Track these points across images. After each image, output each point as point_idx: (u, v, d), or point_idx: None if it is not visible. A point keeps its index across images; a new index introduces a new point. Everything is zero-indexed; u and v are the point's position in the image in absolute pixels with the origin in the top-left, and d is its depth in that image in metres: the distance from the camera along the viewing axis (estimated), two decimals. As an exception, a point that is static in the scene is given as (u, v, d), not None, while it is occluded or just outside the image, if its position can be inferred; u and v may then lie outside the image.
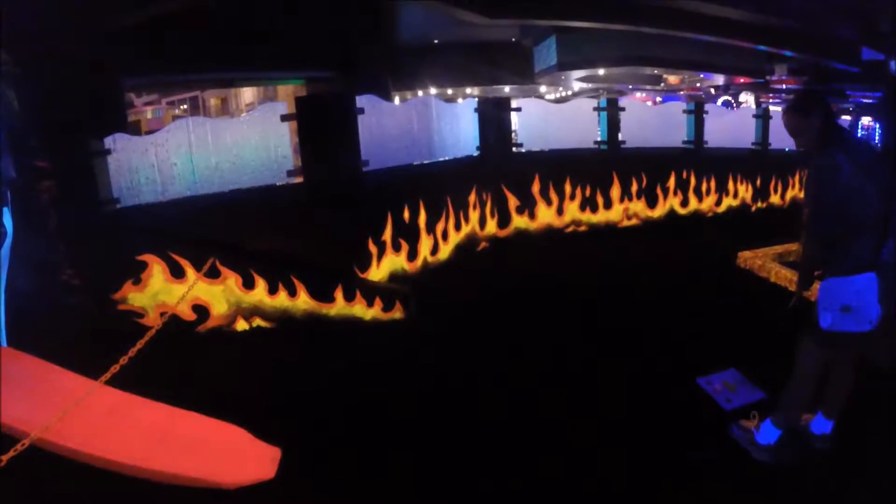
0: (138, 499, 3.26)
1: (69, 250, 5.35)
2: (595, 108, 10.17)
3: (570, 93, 26.27)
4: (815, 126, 3.12)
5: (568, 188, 8.87)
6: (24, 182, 4.60)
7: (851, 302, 3.03)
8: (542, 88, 25.26)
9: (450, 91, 22.33)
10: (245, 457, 3.63)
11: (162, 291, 5.41)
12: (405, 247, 6.60)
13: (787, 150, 11.02)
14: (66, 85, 7.49)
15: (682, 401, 4.25)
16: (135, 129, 15.08)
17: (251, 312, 5.57)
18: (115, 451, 3.38)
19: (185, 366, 4.86)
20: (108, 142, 6.18)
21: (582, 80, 23.04)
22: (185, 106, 24.16)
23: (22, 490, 3.12)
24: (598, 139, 10.17)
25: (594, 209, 9.13)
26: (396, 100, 13.10)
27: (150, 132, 6.89)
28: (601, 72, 22.35)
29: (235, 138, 6.68)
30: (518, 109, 9.46)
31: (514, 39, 21.73)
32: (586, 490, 3.37)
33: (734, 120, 11.44)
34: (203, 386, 4.56)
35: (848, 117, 18.33)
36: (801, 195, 9.41)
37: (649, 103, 18.12)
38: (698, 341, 5.17)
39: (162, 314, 5.06)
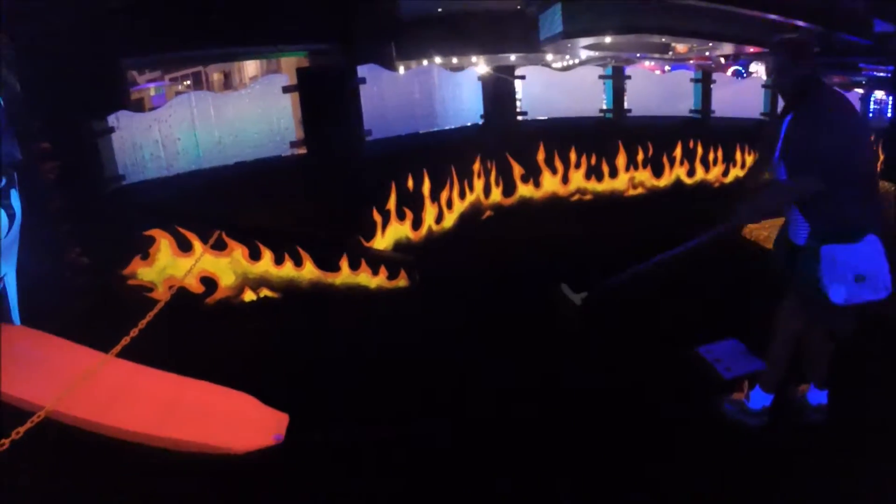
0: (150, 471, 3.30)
1: (77, 229, 5.40)
2: (600, 77, 9.96)
3: (576, 61, 25.90)
4: (800, 74, 3.04)
5: (573, 156, 8.78)
6: (29, 164, 4.64)
7: (864, 269, 2.86)
8: (548, 57, 24.89)
9: (455, 60, 22.04)
10: (253, 423, 3.71)
11: (170, 265, 5.47)
12: (409, 215, 6.61)
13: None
14: (66, 65, 7.50)
15: (682, 370, 4.27)
16: (138, 107, 15.05)
17: (258, 283, 5.62)
18: (127, 420, 3.46)
19: (194, 337, 4.91)
20: (112, 119, 6.20)
21: (588, 48, 22.74)
22: (189, 82, 24.09)
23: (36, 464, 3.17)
24: (603, 108, 10.00)
25: (599, 178, 9.05)
26: (401, 69, 12.96)
27: (153, 109, 6.91)
28: (608, 40, 22.06)
29: (238, 111, 6.71)
30: (522, 77, 9.32)
31: (518, 7, 21.38)
32: (580, 448, 3.46)
33: (742, 89, 11.25)
34: (212, 355, 4.62)
35: (860, 90, 17.93)
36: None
37: (658, 72, 17.93)
38: (700, 311, 5.17)
39: (170, 287, 5.18)
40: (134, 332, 3.97)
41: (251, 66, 24.76)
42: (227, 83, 25.31)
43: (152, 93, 20.30)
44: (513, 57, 23.10)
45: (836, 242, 2.93)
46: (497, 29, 20.43)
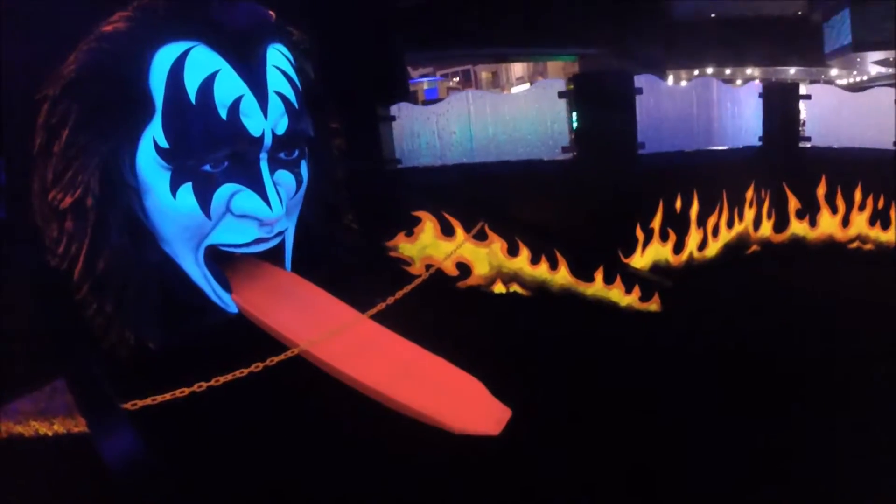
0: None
1: (354, 198, 5.79)
2: (897, 101, 8.29)
3: (864, 78, 22.93)
4: None
5: (858, 196, 7.60)
6: (321, 139, 5.09)
7: None
8: (833, 72, 22.30)
9: (728, 71, 20.60)
10: (477, 408, 3.69)
11: (430, 245, 5.80)
12: (673, 237, 6.32)
13: None
14: (356, 57, 8.07)
15: None
16: (412, 100, 16.09)
17: (510, 278, 5.79)
18: (366, 375, 3.62)
19: (437, 315, 5.03)
20: (394, 109, 6.67)
21: (880, 63, 20.06)
22: (458, 78, 25.49)
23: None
24: (899, 139, 8.59)
25: (885, 225, 7.91)
26: (671, 79, 12.55)
27: (425, 103, 7.39)
28: (907, 55, 19.34)
29: (513, 112, 6.92)
30: (807, 97, 8.38)
31: (800, 13, 19.52)
32: None
33: None
34: (450, 336, 4.66)
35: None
36: None
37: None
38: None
39: (428, 266, 5.49)
40: (390, 300, 4.21)
41: (518, 67, 26.02)
42: (495, 82, 26.75)
43: (425, 87, 21.67)
44: (792, 70, 21.10)
45: None
46: (776, 37, 18.64)
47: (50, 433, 2.81)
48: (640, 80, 7.08)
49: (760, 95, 8.18)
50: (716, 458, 3.67)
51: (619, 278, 5.69)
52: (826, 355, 5.02)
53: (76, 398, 2.90)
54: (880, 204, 7.83)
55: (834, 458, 3.78)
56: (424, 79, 22.81)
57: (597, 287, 5.70)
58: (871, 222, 7.93)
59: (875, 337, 5.27)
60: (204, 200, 3.17)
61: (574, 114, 6.98)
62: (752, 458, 3.70)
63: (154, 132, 3.05)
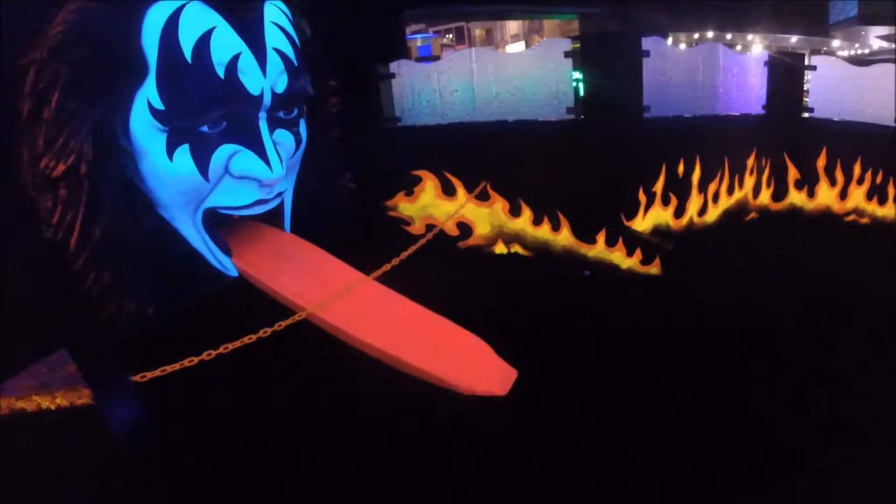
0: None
1: (352, 158, 5.73)
2: (901, 76, 8.08)
3: (866, 51, 22.59)
4: None
5: (857, 169, 7.53)
6: (318, 98, 5.04)
7: None
8: (835, 43, 21.98)
9: (728, 36, 20.18)
10: (484, 369, 3.74)
11: (430, 205, 5.75)
12: (674, 202, 6.29)
13: None
14: (354, 15, 7.92)
15: None
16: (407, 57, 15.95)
17: (512, 238, 5.77)
18: (373, 335, 3.67)
19: (439, 275, 5.00)
20: (393, 66, 6.57)
21: (883, 38, 19.84)
22: (451, 35, 25.06)
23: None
24: (900, 115, 8.57)
25: (882, 200, 7.91)
26: (669, 41, 12.35)
27: (418, 59, 7.33)
28: (907, 29, 19.07)
29: (517, 71, 6.81)
30: (813, 68, 8.26)
31: None
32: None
33: None
34: (452, 296, 4.65)
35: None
36: None
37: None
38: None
39: (428, 227, 5.44)
40: (395, 262, 4.22)
41: (513, 25, 25.31)
42: (489, 39, 26.15)
43: (419, 43, 21.48)
44: (794, 39, 20.84)
45: None
46: (779, 4, 18.47)
47: (53, 406, 2.77)
48: (646, 43, 6.95)
49: (766, 63, 8.14)
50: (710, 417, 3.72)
51: (620, 241, 5.67)
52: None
53: (83, 373, 2.84)
54: (878, 179, 7.81)
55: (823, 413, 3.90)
56: (418, 35, 22.58)
57: (598, 249, 5.68)
58: (869, 196, 7.93)
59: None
60: (201, 162, 3.08)
61: (577, 74, 6.91)
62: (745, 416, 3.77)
63: (148, 93, 2.92)
